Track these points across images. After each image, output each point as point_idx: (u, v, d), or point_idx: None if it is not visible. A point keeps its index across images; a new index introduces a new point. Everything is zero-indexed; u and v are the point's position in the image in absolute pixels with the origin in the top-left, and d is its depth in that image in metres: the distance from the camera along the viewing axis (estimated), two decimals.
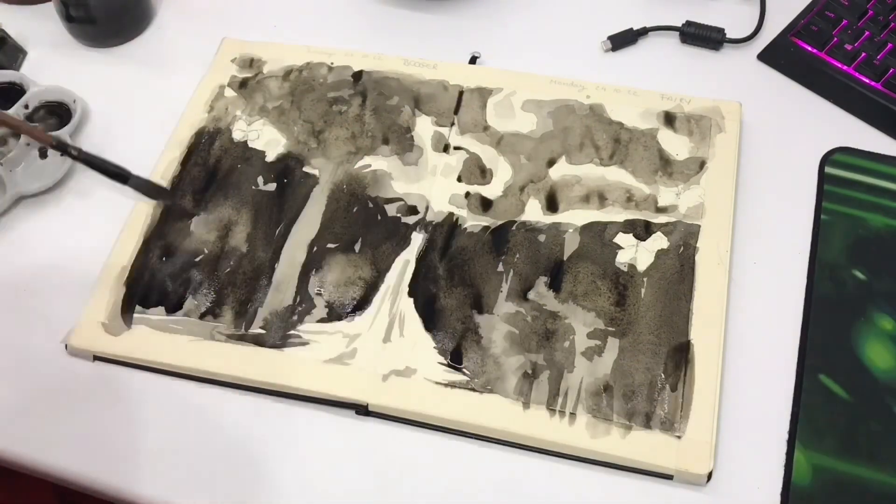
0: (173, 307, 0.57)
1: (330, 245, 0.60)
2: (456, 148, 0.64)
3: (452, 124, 0.65)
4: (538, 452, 0.52)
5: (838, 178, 0.62)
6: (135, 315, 0.57)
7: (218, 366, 0.55)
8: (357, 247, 0.60)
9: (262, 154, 0.65)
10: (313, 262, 0.59)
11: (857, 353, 0.54)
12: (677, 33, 0.71)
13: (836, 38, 0.68)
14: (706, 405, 0.52)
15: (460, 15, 0.73)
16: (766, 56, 0.69)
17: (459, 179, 0.62)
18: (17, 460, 0.53)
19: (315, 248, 0.60)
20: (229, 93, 0.68)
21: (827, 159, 0.63)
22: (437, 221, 0.60)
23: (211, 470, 0.52)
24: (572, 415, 0.52)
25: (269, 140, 0.65)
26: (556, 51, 0.70)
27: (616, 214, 0.60)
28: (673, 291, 0.56)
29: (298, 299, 0.57)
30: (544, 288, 0.57)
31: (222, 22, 0.74)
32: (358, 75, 0.68)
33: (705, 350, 0.54)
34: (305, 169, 0.63)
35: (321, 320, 0.56)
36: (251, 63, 0.70)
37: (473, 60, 0.69)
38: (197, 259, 0.60)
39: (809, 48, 0.68)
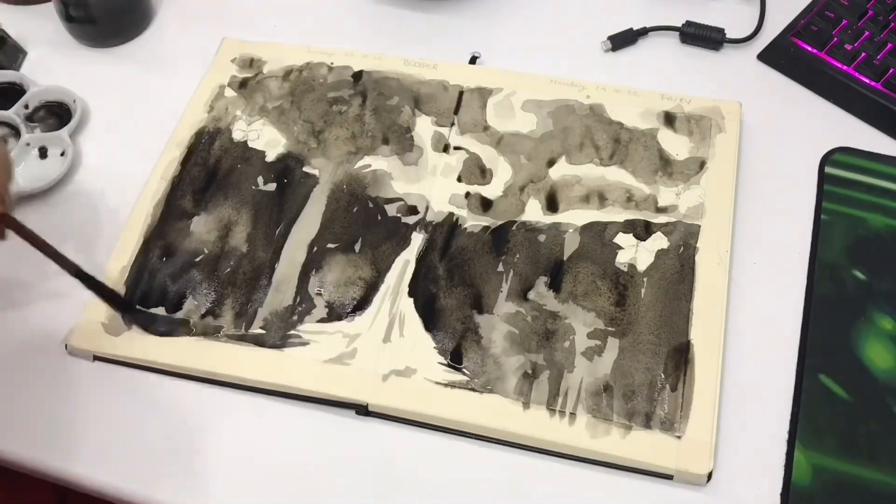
0: (173, 307, 0.58)
1: (330, 245, 0.60)
2: (456, 148, 0.64)
3: (452, 124, 0.65)
4: (538, 452, 0.52)
5: (838, 178, 0.62)
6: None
7: (218, 366, 0.55)
8: (357, 247, 0.59)
9: (262, 154, 0.64)
10: (313, 262, 0.59)
11: (857, 353, 0.54)
12: (677, 33, 0.71)
13: (836, 38, 0.68)
14: (706, 405, 0.52)
15: (460, 15, 0.73)
16: (766, 56, 0.69)
17: (459, 179, 0.62)
18: (17, 460, 0.53)
19: (315, 248, 0.60)
20: (229, 93, 0.68)
21: (827, 159, 0.63)
22: (437, 221, 0.60)
23: (211, 470, 0.52)
24: (572, 415, 0.52)
25: (269, 140, 0.65)
26: (556, 51, 0.70)
27: (616, 214, 0.60)
28: (673, 291, 0.56)
29: (298, 299, 0.57)
30: (544, 288, 0.57)
31: (222, 22, 0.74)
32: (358, 75, 0.68)
33: (705, 350, 0.54)
34: (305, 169, 0.63)
35: (321, 320, 0.56)
36: (251, 63, 0.70)
37: (473, 60, 0.69)
38: (197, 259, 0.60)
39: (809, 48, 0.68)
